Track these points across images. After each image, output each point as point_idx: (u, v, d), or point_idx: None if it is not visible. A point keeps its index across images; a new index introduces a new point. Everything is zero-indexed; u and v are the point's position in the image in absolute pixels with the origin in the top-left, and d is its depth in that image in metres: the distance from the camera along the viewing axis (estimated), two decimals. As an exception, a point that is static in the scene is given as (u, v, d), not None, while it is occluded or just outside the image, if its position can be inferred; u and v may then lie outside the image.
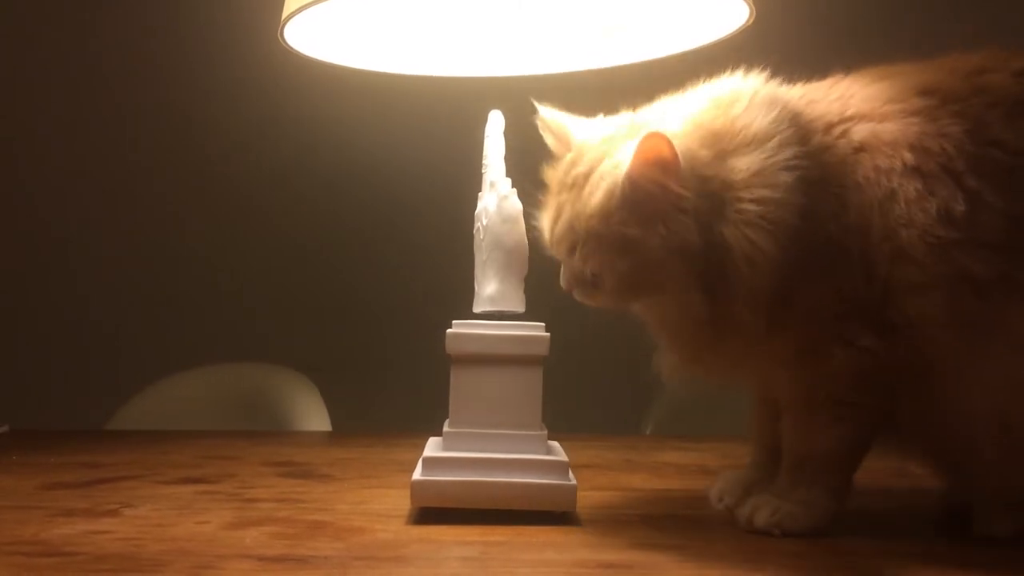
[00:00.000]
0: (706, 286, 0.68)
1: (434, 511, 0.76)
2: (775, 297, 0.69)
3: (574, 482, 0.77)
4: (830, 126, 0.71)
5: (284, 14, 0.84)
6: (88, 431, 1.39)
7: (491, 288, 0.81)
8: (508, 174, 0.82)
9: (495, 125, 0.83)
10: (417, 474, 0.77)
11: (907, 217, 0.67)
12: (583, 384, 1.87)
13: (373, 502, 0.84)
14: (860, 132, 0.70)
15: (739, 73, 0.75)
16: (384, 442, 1.23)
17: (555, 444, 0.82)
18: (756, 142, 0.68)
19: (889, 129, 0.69)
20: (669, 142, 0.65)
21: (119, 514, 0.78)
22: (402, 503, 0.81)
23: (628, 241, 0.68)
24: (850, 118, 0.71)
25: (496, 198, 0.81)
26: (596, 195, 0.69)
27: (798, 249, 0.68)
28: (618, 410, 1.75)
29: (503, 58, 0.99)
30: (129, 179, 2.02)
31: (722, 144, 0.69)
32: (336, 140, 1.91)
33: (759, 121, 0.69)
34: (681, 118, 0.72)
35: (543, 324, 0.80)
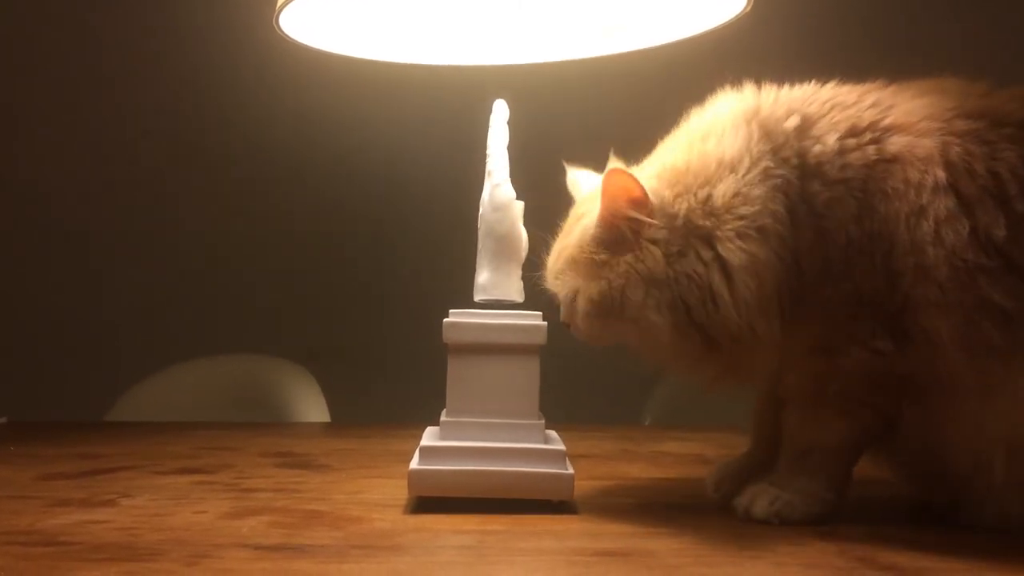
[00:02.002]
0: (672, 313, 0.71)
1: (432, 500, 0.76)
2: (788, 298, 0.71)
3: (571, 471, 0.77)
4: (857, 131, 0.72)
5: (279, 2, 0.83)
6: (86, 422, 1.39)
7: (483, 276, 0.81)
8: (512, 163, 0.82)
9: (499, 114, 0.83)
10: (414, 463, 0.77)
11: (935, 236, 0.67)
12: (583, 375, 1.86)
13: (370, 492, 0.84)
14: (895, 144, 0.70)
15: (720, 97, 0.78)
16: (382, 432, 1.23)
17: (552, 433, 0.82)
18: (729, 168, 0.72)
19: (925, 145, 0.69)
20: (632, 177, 0.71)
21: (116, 504, 0.78)
22: (400, 493, 0.81)
23: (598, 266, 0.73)
24: (887, 128, 0.71)
25: (490, 186, 0.81)
26: (575, 229, 0.77)
27: (814, 249, 0.70)
28: (618, 401, 1.75)
29: (506, 46, 0.99)
30: (126, 172, 2.02)
31: (696, 179, 0.73)
32: (335, 131, 1.90)
33: (728, 149, 0.73)
34: (652, 163, 0.78)
35: (540, 313, 0.80)
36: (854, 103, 0.74)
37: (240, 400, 1.56)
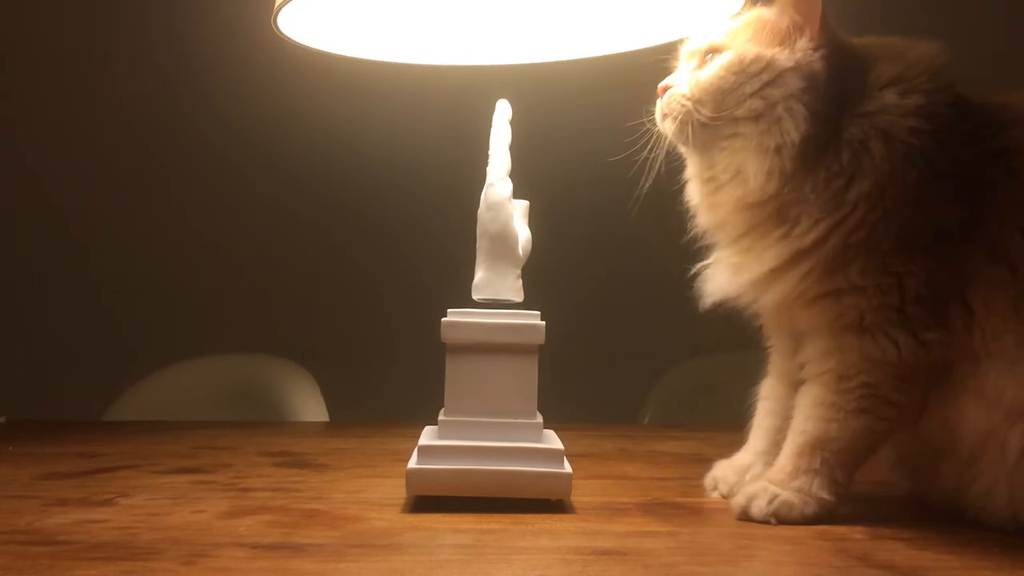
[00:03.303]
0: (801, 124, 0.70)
1: (430, 499, 0.76)
2: (890, 222, 0.69)
3: (569, 470, 0.77)
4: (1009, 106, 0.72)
5: (278, 1, 0.84)
6: (84, 422, 1.39)
7: (478, 276, 0.81)
8: (514, 163, 0.82)
9: (501, 114, 0.83)
10: (412, 462, 0.77)
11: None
12: (582, 374, 1.87)
13: (369, 491, 0.84)
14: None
15: None
16: (381, 432, 1.24)
17: (550, 432, 0.82)
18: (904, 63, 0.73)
19: None
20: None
21: (114, 503, 0.78)
22: (398, 492, 0.81)
23: (753, 59, 0.73)
24: None
25: (485, 186, 0.81)
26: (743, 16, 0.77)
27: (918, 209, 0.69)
28: (616, 400, 1.76)
29: (508, 46, 0.99)
30: (124, 171, 2.02)
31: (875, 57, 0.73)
32: (334, 130, 1.90)
33: (917, 53, 0.73)
34: None
35: (538, 312, 0.80)
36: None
37: (239, 399, 1.56)
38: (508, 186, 0.81)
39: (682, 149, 0.80)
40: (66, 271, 2.01)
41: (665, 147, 0.79)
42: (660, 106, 0.79)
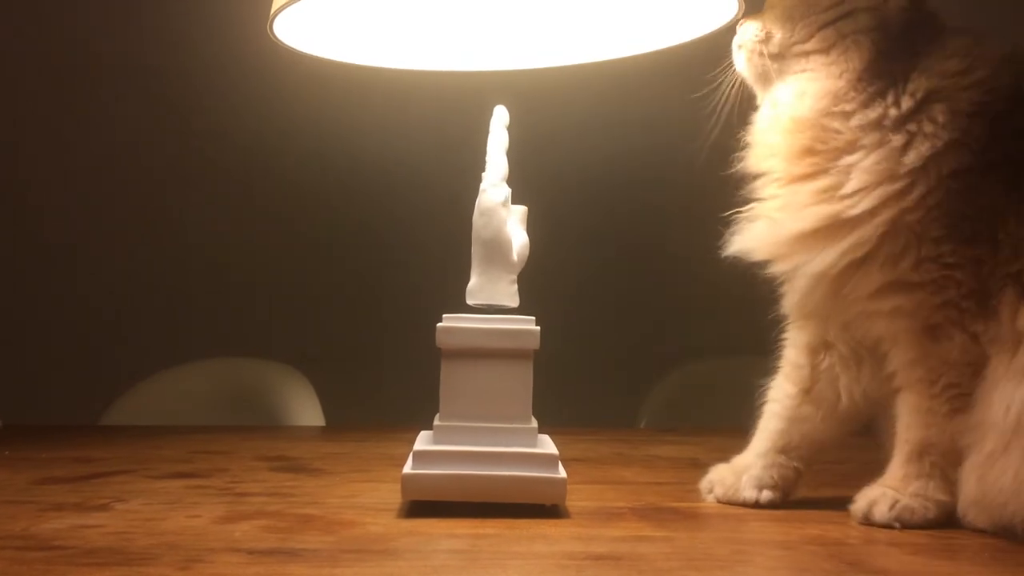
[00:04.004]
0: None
1: (425, 504, 0.76)
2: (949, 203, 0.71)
3: (564, 475, 0.77)
4: None
5: (273, 8, 0.84)
6: (80, 426, 1.39)
7: (471, 281, 0.81)
8: (512, 168, 0.82)
9: (498, 119, 0.83)
10: (408, 467, 0.77)
11: None
12: (580, 379, 1.87)
13: (364, 496, 0.84)
14: None
15: None
16: (377, 436, 1.24)
17: (545, 437, 0.82)
18: None
19: None
20: None
21: (109, 508, 0.78)
22: (393, 497, 0.81)
23: None
24: None
25: (479, 191, 0.81)
26: None
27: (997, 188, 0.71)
28: (614, 405, 1.76)
29: (503, 51, 0.99)
30: (120, 176, 2.02)
31: None
32: (331, 135, 1.91)
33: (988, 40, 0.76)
34: None
35: (533, 318, 0.80)
36: None
37: (235, 404, 1.56)
38: (501, 192, 0.81)
39: (754, 87, 0.82)
40: (62, 276, 2.01)
41: (737, 89, 0.82)
42: (735, 40, 0.82)
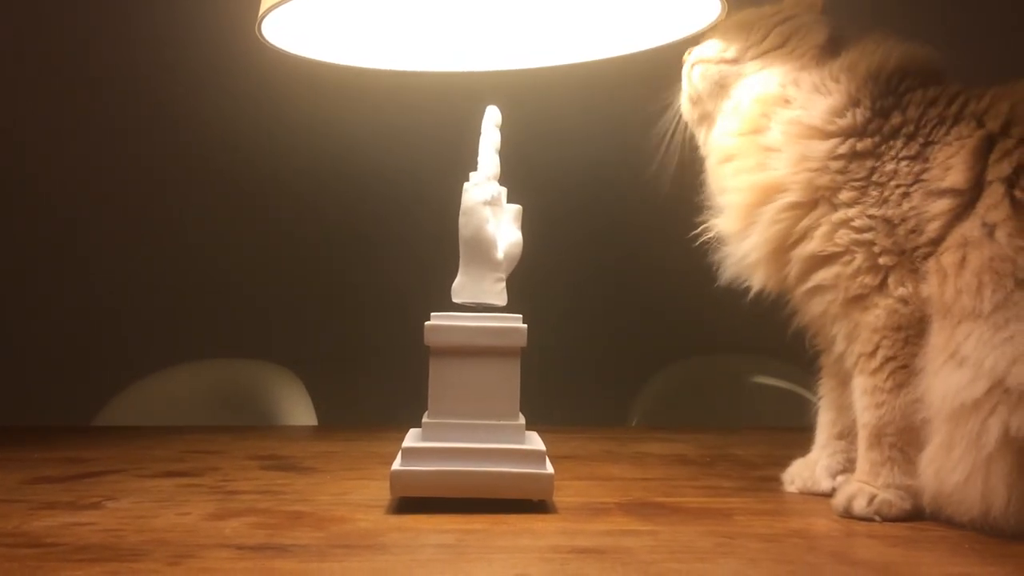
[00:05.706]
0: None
1: (414, 501, 0.77)
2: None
3: (551, 471, 0.78)
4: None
5: (262, 9, 0.85)
6: (73, 427, 1.39)
7: (456, 280, 0.82)
8: (505, 168, 0.83)
9: (489, 119, 0.84)
10: (396, 464, 0.78)
11: None
12: (571, 378, 1.88)
13: (354, 493, 0.85)
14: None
15: None
16: (368, 435, 1.24)
17: (533, 434, 0.83)
18: None
19: None
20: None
21: (101, 507, 0.78)
22: (382, 494, 0.82)
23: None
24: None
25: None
26: None
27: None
28: (605, 403, 1.77)
29: (494, 52, 1.00)
30: (112, 177, 2.02)
31: None
32: (319, 135, 1.91)
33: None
34: None
35: (520, 316, 0.81)
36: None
37: (227, 404, 1.57)
38: (484, 190, 0.81)
39: (707, 104, 0.86)
40: (55, 277, 2.01)
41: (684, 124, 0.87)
42: (689, 60, 0.88)
